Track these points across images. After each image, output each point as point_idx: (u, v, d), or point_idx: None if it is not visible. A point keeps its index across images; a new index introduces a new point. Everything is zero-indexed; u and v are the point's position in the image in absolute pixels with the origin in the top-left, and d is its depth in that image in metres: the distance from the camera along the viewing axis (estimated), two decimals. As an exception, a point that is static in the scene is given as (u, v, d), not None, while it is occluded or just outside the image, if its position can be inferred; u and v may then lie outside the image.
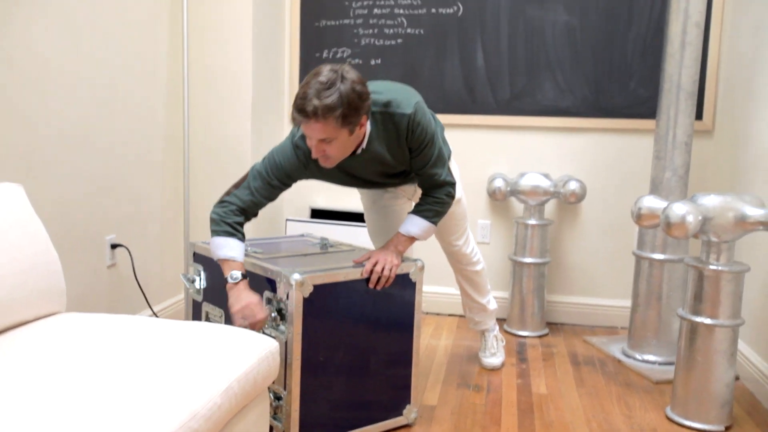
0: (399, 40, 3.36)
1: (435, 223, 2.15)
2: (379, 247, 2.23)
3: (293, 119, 1.83)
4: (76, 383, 1.30)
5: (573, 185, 3.11)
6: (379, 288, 2.04)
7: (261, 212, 3.26)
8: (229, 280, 1.93)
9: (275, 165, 2.00)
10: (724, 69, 3.13)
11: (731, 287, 2.18)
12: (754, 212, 2.14)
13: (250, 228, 3.14)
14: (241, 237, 1.99)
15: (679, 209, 2.18)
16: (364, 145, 1.97)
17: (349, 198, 3.45)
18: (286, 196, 3.57)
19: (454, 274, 2.60)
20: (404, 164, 2.08)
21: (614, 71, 3.22)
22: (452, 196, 2.15)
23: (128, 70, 2.63)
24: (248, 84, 3.07)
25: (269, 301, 1.97)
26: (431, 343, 2.99)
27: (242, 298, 1.89)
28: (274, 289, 1.95)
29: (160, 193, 2.93)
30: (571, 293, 3.38)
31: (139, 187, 2.76)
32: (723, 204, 2.17)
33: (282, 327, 1.92)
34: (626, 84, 3.21)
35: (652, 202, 2.41)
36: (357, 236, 3.28)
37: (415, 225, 2.14)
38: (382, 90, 1.98)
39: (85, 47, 2.35)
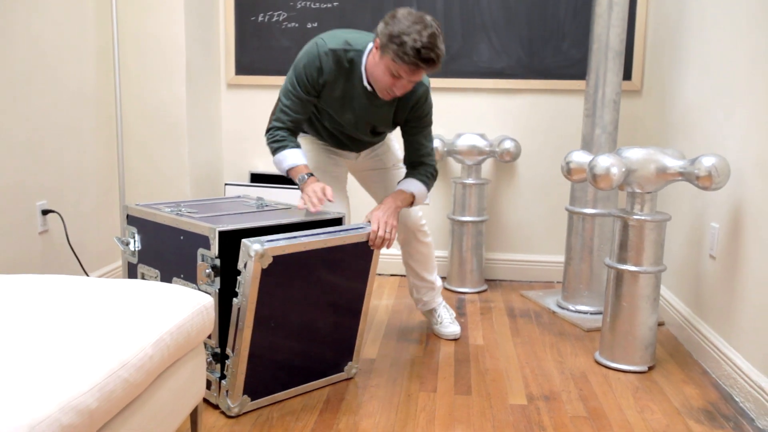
0: (335, 3, 3.35)
1: (428, 189, 2.30)
2: (378, 205, 2.21)
3: (403, 61, 1.96)
4: (1, 338, 1.29)
5: (508, 144, 3.18)
6: (378, 248, 2.14)
7: (200, 176, 3.23)
8: (299, 182, 2.16)
9: (300, 76, 2.14)
10: (652, 31, 3.23)
11: (653, 236, 2.29)
12: (673, 163, 2.24)
13: (188, 193, 3.12)
14: (294, 145, 2.20)
15: (604, 161, 2.26)
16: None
17: (289, 162, 3.44)
18: (226, 158, 3.54)
19: (402, 255, 2.56)
20: (391, 126, 2.30)
21: (547, 33, 3.28)
22: (435, 177, 2.32)
23: (55, 35, 2.56)
24: (181, 48, 3.01)
25: (203, 258, 1.97)
26: (373, 303, 3.04)
27: (312, 185, 2.11)
28: (207, 246, 1.95)
29: (93, 160, 2.87)
30: (508, 250, 3.47)
31: (70, 154, 2.70)
32: (645, 156, 2.26)
33: (218, 284, 1.93)
34: (559, 45, 3.28)
35: (580, 157, 2.49)
36: (296, 199, 3.28)
37: (414, 185, 2.26)
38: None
39: (9, 14, 2.27)
